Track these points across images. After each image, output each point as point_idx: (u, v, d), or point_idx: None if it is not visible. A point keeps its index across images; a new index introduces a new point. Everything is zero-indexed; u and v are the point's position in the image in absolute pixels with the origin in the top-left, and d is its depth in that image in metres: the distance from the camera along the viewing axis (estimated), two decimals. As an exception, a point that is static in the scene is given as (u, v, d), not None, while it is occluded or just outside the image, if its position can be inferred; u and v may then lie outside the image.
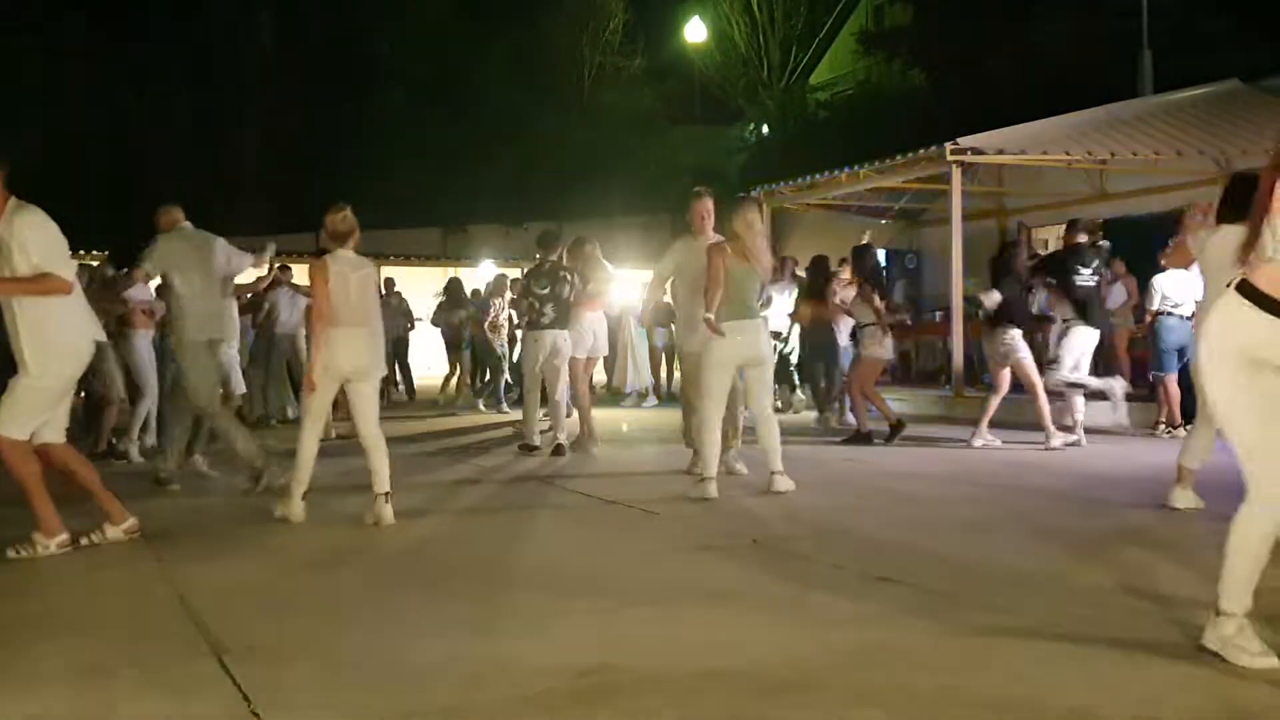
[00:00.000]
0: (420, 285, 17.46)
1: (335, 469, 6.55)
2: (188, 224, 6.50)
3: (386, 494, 5.28)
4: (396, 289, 14.67)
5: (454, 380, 14.02)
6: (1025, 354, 8.25)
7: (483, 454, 8.38)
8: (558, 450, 7.99)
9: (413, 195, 24.05)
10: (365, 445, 5.36)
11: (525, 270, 9.39)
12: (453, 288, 13.87)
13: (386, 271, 19.32)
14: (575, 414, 8.67)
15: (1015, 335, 8.25)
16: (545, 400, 8.50)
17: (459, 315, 13.51)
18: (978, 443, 8.32)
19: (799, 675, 2.88)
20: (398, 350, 14.99)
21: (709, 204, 6.74)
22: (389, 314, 14.88)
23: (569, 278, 8.28)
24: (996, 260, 8.94)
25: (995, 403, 8.47)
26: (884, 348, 8.79)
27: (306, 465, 5.35)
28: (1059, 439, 8.09)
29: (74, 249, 5.74)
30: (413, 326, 14.54)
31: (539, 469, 7.23)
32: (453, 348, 13.92)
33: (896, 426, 8.69)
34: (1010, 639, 3.20)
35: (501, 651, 3.14)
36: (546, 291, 8.12)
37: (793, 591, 3.86)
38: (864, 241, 9.84)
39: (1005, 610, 3.48)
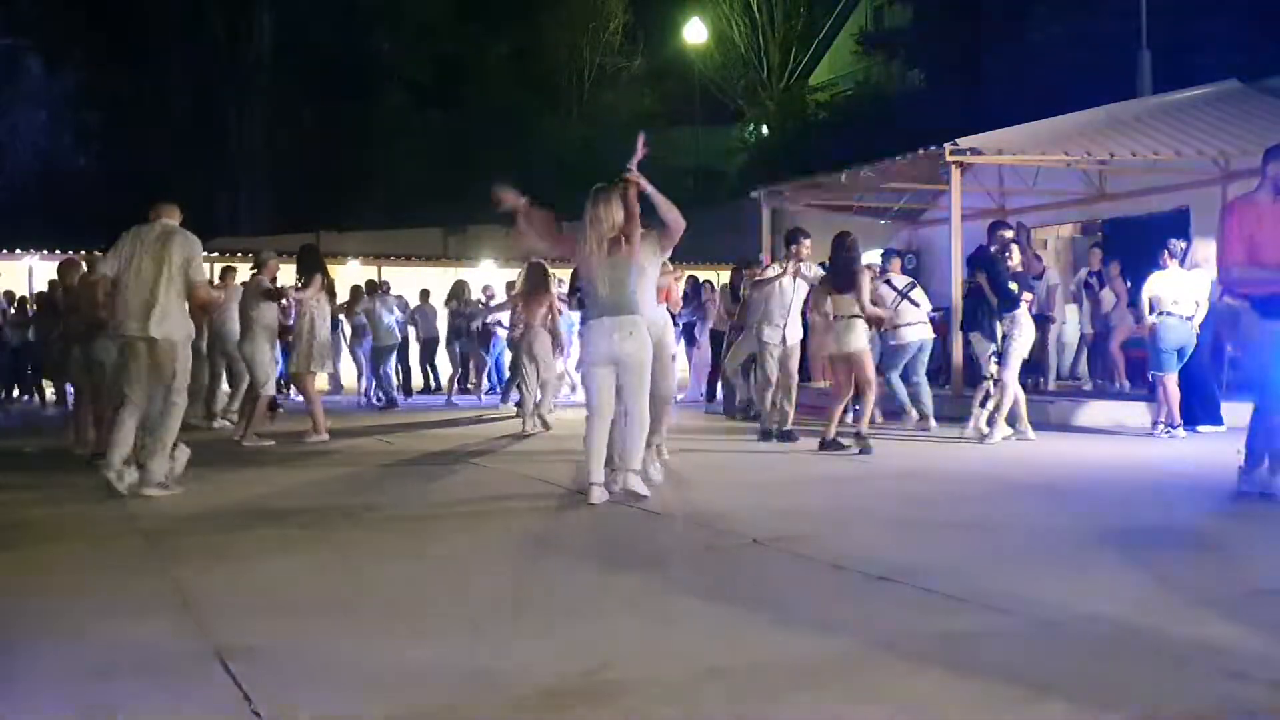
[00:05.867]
0: (420, 285, 17.48)
1: (342, 473, 6.55)
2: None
3: None
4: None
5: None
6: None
7: (485, 454, 8.37)
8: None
9: (413, 195, 24.08)
10: None
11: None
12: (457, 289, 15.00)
13: (387, 272, 19.39)
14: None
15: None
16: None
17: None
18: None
19: (799, 675, 2.89)
20: (429, 350, 16.11)
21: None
22: (420, 316, 15.90)
23: None
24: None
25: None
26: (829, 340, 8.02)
27: None
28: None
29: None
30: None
31: (544, 470, 7.22)
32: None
33: (830, 444, 7.91)
34: (1010, 638, 3.20)
35: (503, 651, 3.14)
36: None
37: (793, 591, 3.86)
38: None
39: (1004, 610, 3.49)
